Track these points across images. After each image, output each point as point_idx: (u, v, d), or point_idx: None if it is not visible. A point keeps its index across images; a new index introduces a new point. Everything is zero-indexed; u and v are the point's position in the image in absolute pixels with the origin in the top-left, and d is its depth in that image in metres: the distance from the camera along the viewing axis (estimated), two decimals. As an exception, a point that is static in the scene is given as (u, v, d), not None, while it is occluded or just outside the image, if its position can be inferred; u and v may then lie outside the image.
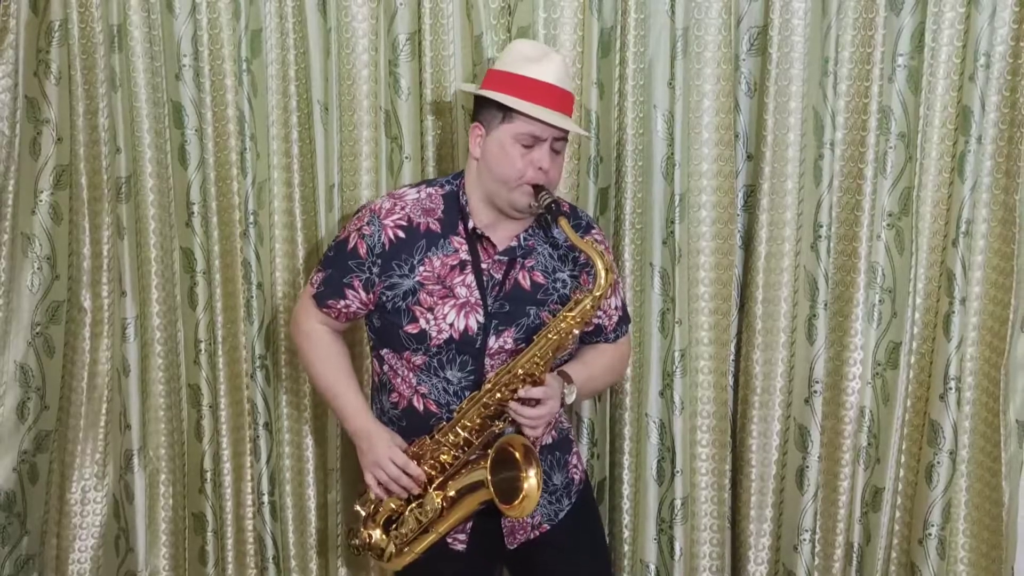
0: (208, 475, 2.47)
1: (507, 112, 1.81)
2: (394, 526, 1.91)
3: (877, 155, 2.22)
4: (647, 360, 2.31)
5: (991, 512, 2.32)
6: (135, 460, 2.44)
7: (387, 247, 1.86)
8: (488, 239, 1.88)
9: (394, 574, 2.03)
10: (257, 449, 2.45)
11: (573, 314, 1.82)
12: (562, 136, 1.84)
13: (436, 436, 1.87)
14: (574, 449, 2.08)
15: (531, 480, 1.81)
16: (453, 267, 1.86)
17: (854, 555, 2.40)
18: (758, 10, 2.21)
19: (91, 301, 2.31)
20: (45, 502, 2.44)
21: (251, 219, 2.34)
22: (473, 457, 1.87)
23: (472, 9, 2.18)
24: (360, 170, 2.29)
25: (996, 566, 2.31)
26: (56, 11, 2.20)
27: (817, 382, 2.31)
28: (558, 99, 1.82)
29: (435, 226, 1.88)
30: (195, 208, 2.36)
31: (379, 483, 1.89)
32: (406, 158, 2.29)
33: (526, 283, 1.89)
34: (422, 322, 1.84)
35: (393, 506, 1.91)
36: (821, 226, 2.24)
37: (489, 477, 1.78)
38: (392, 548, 1.91)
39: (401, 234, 1.86)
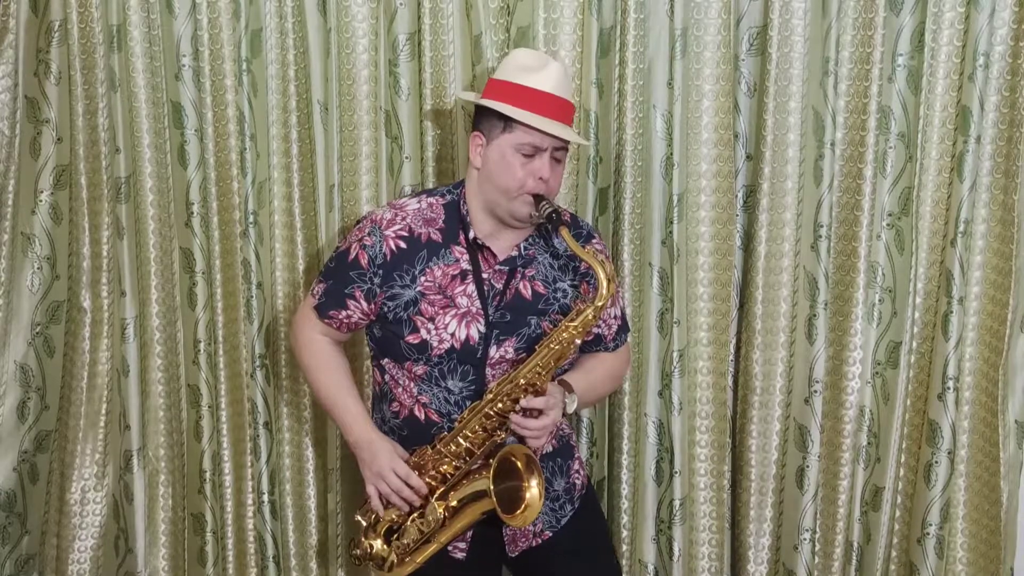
0: (207, 475, 2.47)
1: (507, 122, 1.81)
2: (395, 536, 1.91)
3: (877, 155, 2.22)
4: (646, 360, 2.31)
5: (990, 512, 2.32)
6: (134, 460, 2.44)
7: (388, 258, 1.86)
8: (489, 249, 1.88)
9: None
10: (257, 448, 2.45)
11: (575, 324, 1.82)
12: (562, 145, 1.85)
13: (437, 446, 1.87)
14: (576, 454, 2.08)
15: (533, 490, 1.81)
16: (454, 277, 1.86)
17: (853, 554, 2.41)
18: (758, 10, 2.21)
19: (91, 301, 2.31)
20: (45, 502, 2.44)
21: (251, 219, 2.34)
22: (475, 467, 1.87)
23: (472, 9, 2.18)
24: (360, 170, 2.29)
25: (995, 566, 2.32)
26: (56, 11, 2.20)
27: (817, 381, 2.31)
28: (558, 109, 1.83)
29: (436, 236, 1.88)
30: (195, 208, 2.36)
31: (380, 494, 1.89)
32: (406, 158, 2.29)
33: (527, 293, 1.89)
34: (423, 332, 1.84)
35: (394, 516, 1.91)
36: (821, 226, 2.24)
37: (491, 487, 1.77)
38: (393, 558, 1.90)
39: (402, 244, 1.86)
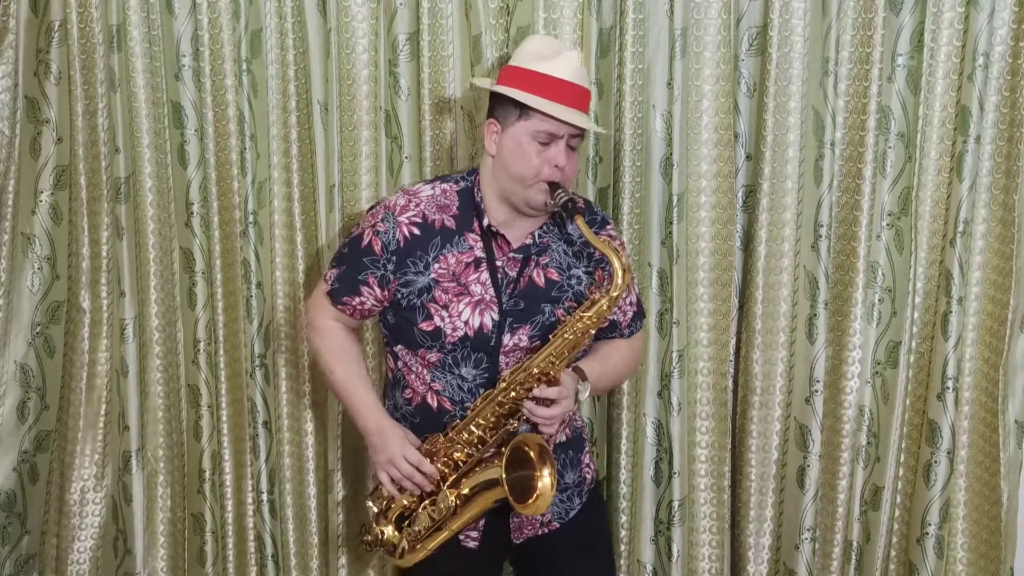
0: (207, 475, 2.47)
1: (523, 109, 1.80)
2: (407, 523, 1.91)
3: (876, 155, 2.22)
4: (645, 360, 2.31)
5: (990, 512, 2.32)
6: (133, 461, 2.44)
7: (402, 244, 1.86)
8: (503, 236, 1.88)
9: (402, 571, 2.02)
10: (256, 448, 2.45)
11: (589, 314, 1.82)
12: (578, 133, 1.84)
13: (450, 434, 1.87)
14: (587, 448, 2.08)
15: (545, 479, 1.81)
16: (468, 264, 1.86)
17: (853, 554, 2.40)
18: (757, 10, 2.21)
19: (90, 302, 2.31)
20: (45, 502, 2.44)
21: (251, 219, 2.34)
22: (487, 455, 1.87)
23: (471, 9, 2.18)
24: (360, 170, 2.29)
25: (995, 566, 2.31)
26: (56, 11, 2.20)
27: (818, 381, 2.31)
28: (575, 96, 1.82)
29: (450, 223, 1.87)
30: (195, 208, 2.36)
31: (392, 480, 1.89)
32: (406, 158, 2.29)
33: (541, 280, 1.89)
34: (437, 319, 1.84)
35: (406, 503, 1.91)
36: (821, 226, 2.24)
37: (504, 475, 1.78)
38: (405, 545, 1.91)
39: (416, 231, 1.86)
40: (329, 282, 1.94)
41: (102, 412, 2.37)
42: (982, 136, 2.19)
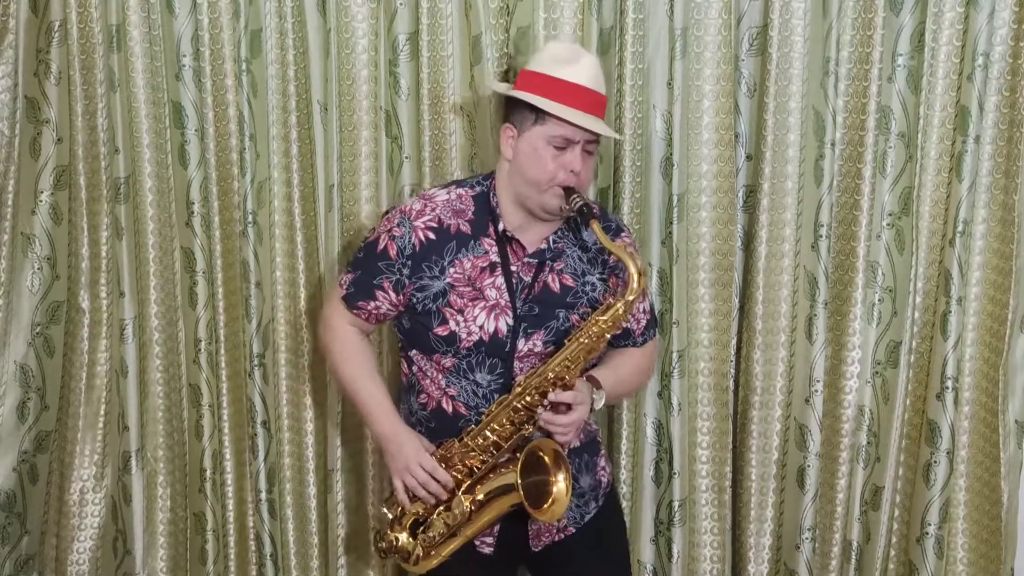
0: (208, 475, 2.47)
1: (539, 114, 1.80)
2: (421, 529, 1.90)
3: (876, 155, 2.22)
4: (646, 360, 2.31)
5: (990, 512, 2.32)
6: (133, 461, 2.44)
7: (417, 248, 1.86)
8: (518, 241, 1.88)
9: None
10: (255, 447, 2.45)
11: (605, 319, 1.81)
12: (594, 139, 1.84)
13: (465, 439, 1.86)
14: (601, 451, 2.08)
15: (560, 484, 1.81)
16: (483, 269, 1.86)
17: (853, 554, 2.40)
18: (758, 10, 2.21)
19: (89, 302, 2.31)
20: (45, 502, 2.44)
21: (250, 219, 2.34)
22: (502, 460, 1.86)
23: (471, 9, 2.18)
24: (360, 170, 2.29)
25: (995, 566, 2.32)
26: (56, 11, 2.20)
27: (818, 381, 2.31)
28: (591, 102, 1.82)
29: (465, 228, 1.87)
30: (195, 208, 2.36)
31: (407, 488, 1.89)
32: (406, 158, 2.29)
33: (555, 286, 1.89)
34: (452, 324, 1.84)
35: (420, 509, 1.90)
36: (821, 226, 2.24)
37: (519, 481, 1.77)
38: (419, 551, 1.89)
39: (431, 236, 1.86)
40: (344, 286, 1.94)
41: (102, 412, 2.37)
42: (982, 136, 2.19)
